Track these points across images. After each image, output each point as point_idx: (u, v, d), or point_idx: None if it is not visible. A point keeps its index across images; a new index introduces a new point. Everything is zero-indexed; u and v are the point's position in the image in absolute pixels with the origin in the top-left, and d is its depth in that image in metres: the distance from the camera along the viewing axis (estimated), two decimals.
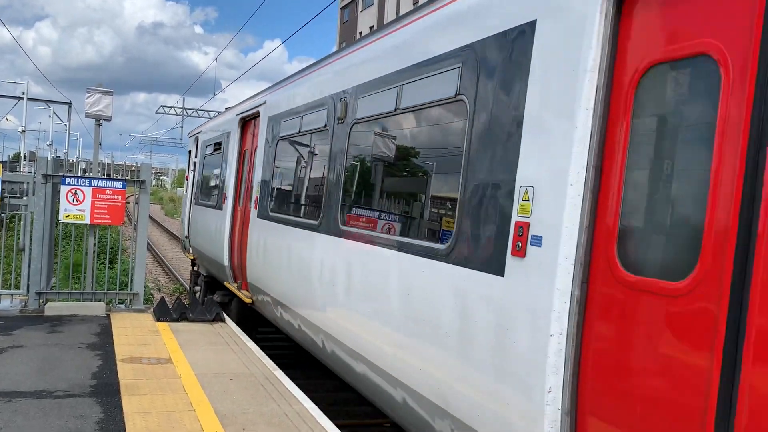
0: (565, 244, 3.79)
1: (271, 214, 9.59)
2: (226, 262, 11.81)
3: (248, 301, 10.65)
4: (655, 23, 3.53)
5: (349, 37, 69.84)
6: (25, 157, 59.34)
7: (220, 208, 12.58)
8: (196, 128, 18.97)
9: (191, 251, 16.13)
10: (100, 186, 10.59)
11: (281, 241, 8.93)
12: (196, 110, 53.73)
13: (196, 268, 16.54)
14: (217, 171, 13.76)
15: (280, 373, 7.68)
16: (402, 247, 5.59)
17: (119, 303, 11.03)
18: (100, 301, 10.68)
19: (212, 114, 47.09)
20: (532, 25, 4.29)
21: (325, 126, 7.84)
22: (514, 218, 4.21)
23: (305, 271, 7.84)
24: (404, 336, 5.40)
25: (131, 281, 11.17)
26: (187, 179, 18.73)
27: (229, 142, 12.78)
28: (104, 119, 12.60)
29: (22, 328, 9.06)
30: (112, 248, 19.57)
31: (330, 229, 7.19)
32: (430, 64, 5.53)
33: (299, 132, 8.84)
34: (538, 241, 3.99)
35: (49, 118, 58.36)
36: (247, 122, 12.06)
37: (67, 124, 54.58)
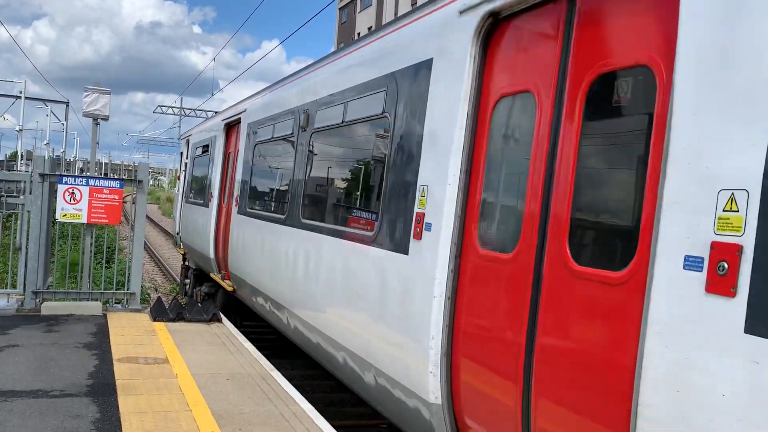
0: (446, 228, 5.01)
1: (248, 210, 10.79)
2: (212, 255, 12.93)
3: (230, 289, 11.78)
4: (503, 68, 4.86)
5: (347, 38, 69.86)
6: (22, 156, 59.25)
7: (207, 206, 13.76)
8: (187, 131, 20.27)
9: (182, 246, 17.29)
10: (97, 185, 10.57)
11: (256, 233, 10.11)
12: (194, 110, 53.69)
13: (186, 263, 17.67)
14: (205, 172, 14.91)
15: (276, 374, 7.67)
16: (344, 236, 6.81)
17: (116, 303, 11.01)
18: (96, 300, 10.67)
19: (209, 114, 47.09)
20: (430, 62, 5.56)
21: (292, 134, 9.08)
22: (415, 210, 5.44)
23: (274, 258, 9.01)
24: (344, 307, 6.64)
25: (128, 281, 11.15)
26: (178, 179, 20.04)
27: (216, 145, 13.99)
28: (102, 118, 12.61)
29: (18, 328, 9.04)
30: (108, 248, 19.55)
31: (293, 222, 8.45)
32: (365, 87, 6.82)
33: (272, 138, 10.05)
34: (429, 227, 5.20)
35: (47, 117, 58.26)
36: (231, 127, 13.29)
37: (65, 123, 54.51)
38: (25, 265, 10.41)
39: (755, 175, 2.88)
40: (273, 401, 6.69)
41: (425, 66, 5.62)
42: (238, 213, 11.29)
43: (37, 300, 10.32)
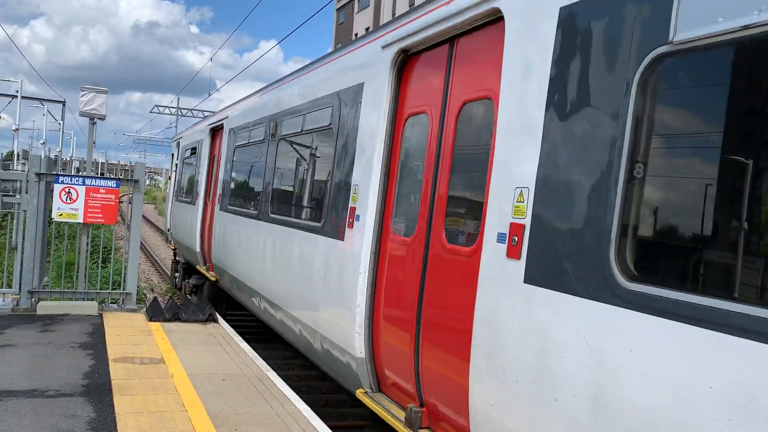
0: (370, 220, 6.29)
1: (228, 207, 12.15)
2: (198, 249, 14.25)
3: (213, 279, 13.13)
4: (410, 93, 6.17)
5: (345, 38, 69.84)
6: (18, 155, 59.13)
7: (194, 204, 15.10)
8: (178, 134, 22.48)
9: (172, 242, 18.92)
10: (93, 185, 10.56)
11: (234, 228, 11.44)
12: (191, 110, 53.64)
13: (176, 258, 19.19)
14: (193, 172, 16.36)
15: (272, 374, 7.67)
16: (300, 227, 8.12)
17: (112, 302, 10.99)
18: (92, 300, 10.65)
19: (206, 113, 47.00)
20: (362, 84, 6.88)
21: (264, 139, 10.42)
22: (350, 205, 6.71)
23: (249, 249, 10.26)
24: (299, 287, 7.89)
25: (124, 281, 11.14)
26: (170, 179, 21.52)
27: (202, 147, 15.38)
28: (98, 118, 12.57)
29: (13, 327, 9.02)
30: (105, 248, 19.51)
31: (264, 217, 9.74)
32: (318, 102, 8.12)
33: (248, 143, 11.41)
34: (358, 218, 6.48)
35: (43, 116, 58.16)
36: (216, 132, 14.70)
37: (61, 122, 54.41)
38: (21, 265, 10.38)
39: (532, 178, 4.21)
40: (269, 401, 6.68)
41: (359, 88, 6.96)
42: (220, 210, 12.70)
43: (33, 299, 10.30)
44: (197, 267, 14.80)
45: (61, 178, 10.47)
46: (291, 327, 8.33)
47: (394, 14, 58.36)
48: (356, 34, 67.11)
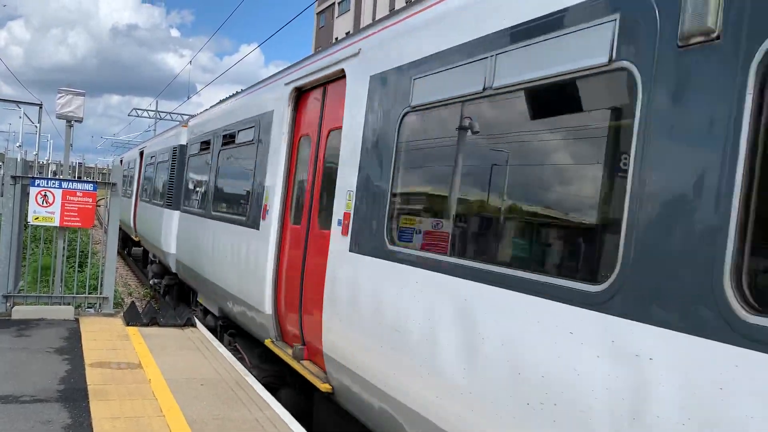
0: (276, 213, 8.28)
1: (185, 208, 14.04)
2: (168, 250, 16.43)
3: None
4: (302, 120, 8.23)
5: (325, 42, 69.80)
6: None
7: (160, 205, 17.18)
8: (142, 143, 27.49)
9: (138, 236, 21.51)
10: (70, 188, 10.46)
11: (190, 225, 13.24)
12: (169, 113, 53.21)
13: (140, 243, 21.82)
14: (157, 177, 18.81)
15: (251, 379, 7.64)
16: (232, 221, 10.03)
17: (89, 307, 10.88)
18: (68, 304, 10.51)
19: (185, 117, 46.66)
20: (272, 111, 8.91)
21: (209, 151, 12.38)
22: (263, 202, 8.69)
23: (200, 242, 12.04)
24: (237, 273, 9.52)
25: (101, 285, 11.03)
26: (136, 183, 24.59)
27: (165, 155, 17.65)
28: (75, 120, 12.45)
29: None
30: (82, 252, 19.32)
31: (208, 215, 11.65)
32: (247, 121, 10.11)
33: (199, 152, 13.41)
34: (269, 212, 8.45)
35: (20, 119, 57.40)
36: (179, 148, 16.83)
37: (38, 125, 53.75)
38: None
39: (354, 185, 6.25)
40: (247, 406, 6.65)
41: (271, 114, 8.94)
42: (180, 211, 14.64)
43: (8, 304, 10.16)
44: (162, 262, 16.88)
45: (37, 181, 10.36)
46: (234, 309, 9.94)
47: (374, 18, 58.41)
48: (336, 38, 67.08)
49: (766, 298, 2.67)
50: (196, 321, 10.58)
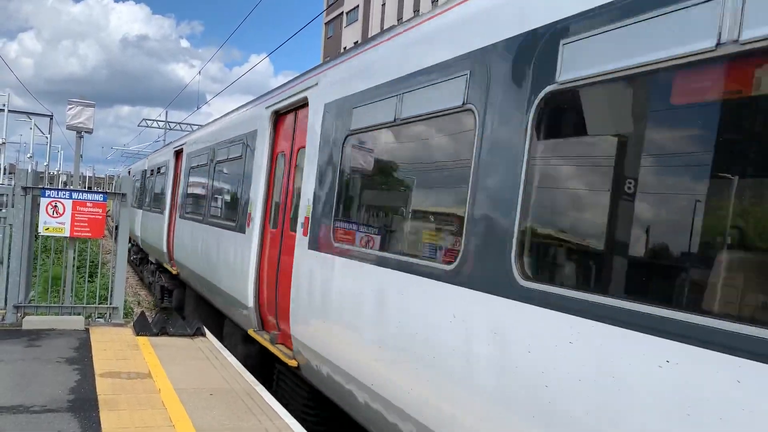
0: (258, 219, 9.45)
1: (184, 215, 15.18)
2: (165, 249, 17.42)
3: (174, 272, 16.09)
4: (279, 139, 9.37)
5: (333, 52, 70.00)
6: (5, 169, 58.65)
7: (162, 213, 18.33)
8: (149, 154, 28.27)
9: (141, 244, 23.01)
10: (80, 199, 10.50)
11: (188, 230, 14.47)
12: (179, 123, 53.46)
13: (146, 256, 22.63)
14: (160, 187, 19.95)
15: (261, 389, 7.62)
16: (224, 227, 11.16)
17: (99, 317, 10.90)
18: (79, 315, 10.55)
19: (194, 127, 46.86)
20: (256, 131, 10.16)
21: (206, 163, 13.53)
22: (248, 211, 9.84)
23: (196, 246, 13.27)
24: (222, 268, 10.99)
25: (111, 295, 11.05)
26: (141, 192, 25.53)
27: (168, 166, 18.78)
28: (85, 131, 12.54)
29: None
30: (92, 262, 19.39)
31: (205, 221, 12.85)
32: (236, 138, 11.38)
33: (197, 165, 14.57)
34: (253, 219, 9.58)
35: (30, 130, 57.80)
36: (179, 154, 18.02)
37: (48, 136, 54.11)
38: (7, 279, 10.28)
39: (311, 195, 7.43)
40: (257, 416, 6.64)
41: (255, 133, 10.20)
42: (179, 217, 15.77)
43: (19, 314, 10.20)
44: (164, 265, 17.81)
45: (47, 192, 10.41)
46: (219, 298, 11.38)
47: (382, 28, 58.57)
48: (344, 48, 67.29)
49: (532, 272, 4.09)
50: (206, 331, 10.58)
